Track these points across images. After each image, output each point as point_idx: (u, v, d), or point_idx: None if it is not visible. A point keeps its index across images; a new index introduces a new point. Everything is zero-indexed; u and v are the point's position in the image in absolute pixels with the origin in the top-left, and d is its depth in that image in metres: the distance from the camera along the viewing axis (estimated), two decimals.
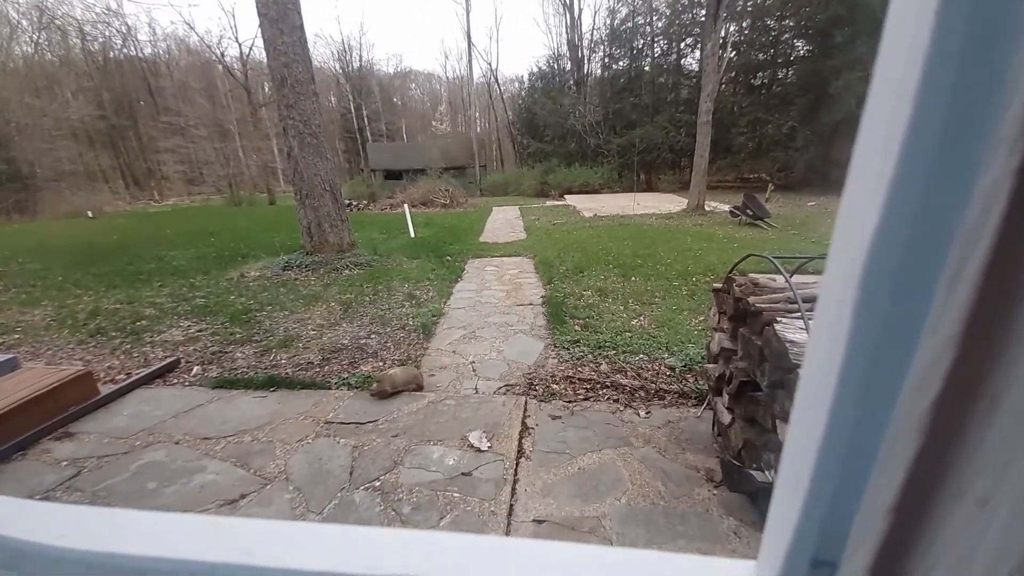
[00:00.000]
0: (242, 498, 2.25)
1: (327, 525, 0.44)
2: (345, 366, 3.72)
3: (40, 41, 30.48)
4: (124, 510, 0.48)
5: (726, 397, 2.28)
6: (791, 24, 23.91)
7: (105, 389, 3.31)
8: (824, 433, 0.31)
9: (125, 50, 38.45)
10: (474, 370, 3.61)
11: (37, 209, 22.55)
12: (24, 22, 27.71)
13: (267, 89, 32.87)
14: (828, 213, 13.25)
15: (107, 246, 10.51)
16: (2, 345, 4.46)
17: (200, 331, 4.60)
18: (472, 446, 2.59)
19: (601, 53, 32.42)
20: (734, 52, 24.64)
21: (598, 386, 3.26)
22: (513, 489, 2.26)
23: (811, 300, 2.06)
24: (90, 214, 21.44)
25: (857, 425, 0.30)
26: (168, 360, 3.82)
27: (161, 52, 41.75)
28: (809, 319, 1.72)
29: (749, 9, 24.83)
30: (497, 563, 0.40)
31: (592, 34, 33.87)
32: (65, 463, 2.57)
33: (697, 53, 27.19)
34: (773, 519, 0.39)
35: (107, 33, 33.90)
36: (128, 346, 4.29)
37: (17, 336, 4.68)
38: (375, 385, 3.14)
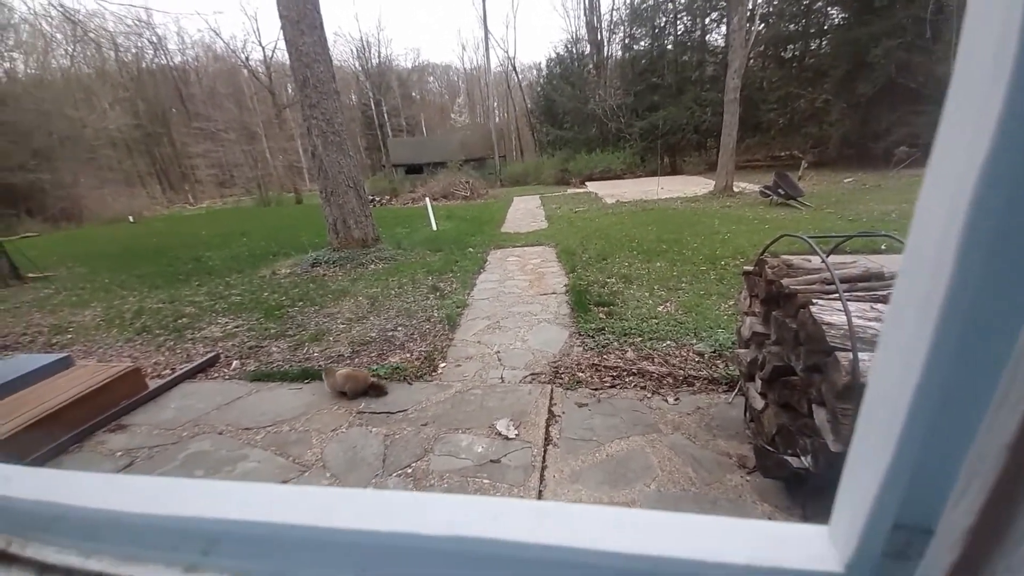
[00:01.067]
0: (283, 484, 2.34)
1: (396, 492, 0.47)
2: (374, 358, 3.80)
3: (75, 54, 32.03)
4: (193, 480, 0.51)
5: (759, 382, 2.22)
6: None
7: (152, 384, 3.50)
8: (918, 383, 0.29)
9: (156, 60, 40.05)
10: (499, 360, 3.63)
11: (82, 216, 23.89)
12: (58, 35, 29.11)
13: (290, 90, 33.57)
14: (866, 189, 12.60)
15: (148, 249, 11.05)
16: (56, 344, 4.78)
17: (237, 327, 4.79)
18: (500, 434, 2.61)
19: (621, 34, 31.59)
20: (762, 24, 23.49)
21: (624, 373, 3.23)
22: (542, 476, 2.27)
23: (849, 280, 1.97)
24: (131, 219, 22.57)
25: (964, 363, 0.28)
26: (209, 355, 4.00)
27: (190, 60, 43.28)
28: (848, 299, 1.64)
29: None
30: (559, 527, 0.41)
31: (611, 15, 32.99)
32: (119, 453, 2.74)
33: (723, 28, 26.15)
34: (848, 484, 0.38)
35: (139, 44, 35.33)
36: (172, 343, 4.52)
37: (70, 336, 5.00)
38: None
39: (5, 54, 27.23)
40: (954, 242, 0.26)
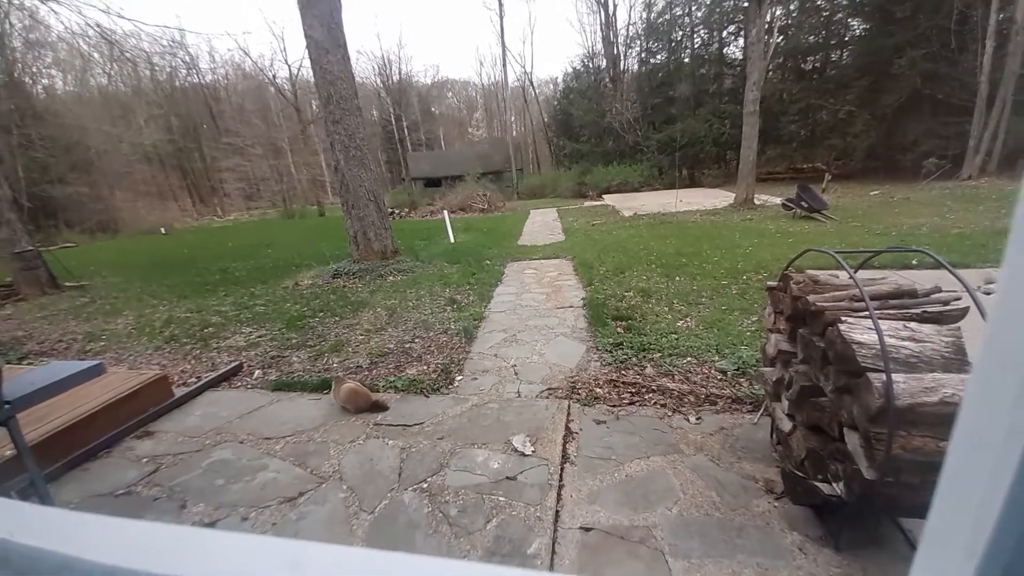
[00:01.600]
0: (300, 496, 2.36)
1: (405, 555, 0.42)
2: (391, 369, 3.83)
3: (112, 73, 33.77)
4: (211, 532, 0.47)
5: (785, 403, 2.14)
6: (844, 2, 22.38)
7: (178, 391, 3.59)
8: None
9: (189, 78, 41.89)
10: (516, 373, 3.61)
11: (118, 227, 24.95)
12: (96, 55, 30.75)
13: (315, 107, 34.67)
14: (894, 202, 12.25)
15: (178, 259, 11.45)
16: (90, 352, 4.96)
17: (260, 337, 4.89)
18: (516, 450, 2.58)
19: (638, 48, 31.75)
20: (781, 37, 23.34)
21: (644, 390, 3.17)
22: (559, 495, 2.23)
23: (879, 298, 1.90)
24: (163, 231, 23.46)
25: None
26: (232, 364, 4.09)
27: (220, 78, 45.15)
28: (879, 318, 1.59)
29: None
30: None
31: (628, 29, 33.21)
32: (145, 460, 2.80)
33: (741, 41, 26.06)
34: (934, 540, 0.34)
35: (173, 64, 36.99)
36: (198, 351, 4.64)
37: (103, 343, 5.18)
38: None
39: (44, 71, 28.91)
40: None
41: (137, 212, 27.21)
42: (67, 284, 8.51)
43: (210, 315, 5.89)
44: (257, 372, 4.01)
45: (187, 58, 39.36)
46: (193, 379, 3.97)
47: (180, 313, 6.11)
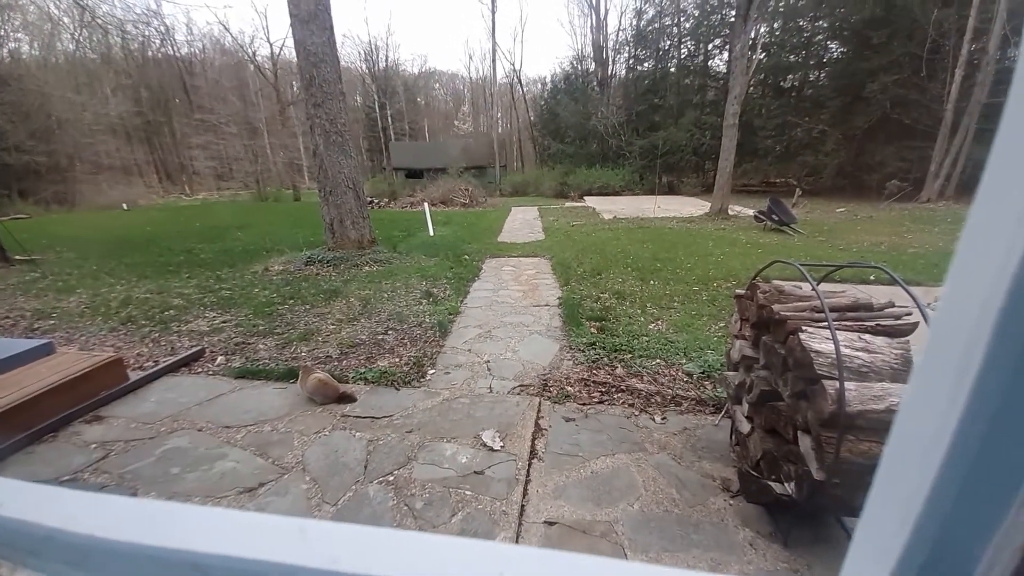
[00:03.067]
0: (260, 487, 2.30)
1: (415, 533, 0.42)
2: (362, 361, 3.77)
3: (81, 39, 31.91)
4: (192, 506, 0.47)
5: (746, 406, 2.22)
6: (824, 25, 23.22)
7: (134, 375, 3.44)
8: (951, 441, 0.27)
9: (163, 49, 39.98)
10: (489, 369, 3.62)
11: (75, 201, 23.61)
12: (66, 19, 29.03)
13: (295, 88, 33.66)
14: (857, 220, 12.83)
15: (140, 238, 10.93)
16: (38, 330, 4.68)
17: (224, 322, 4.73)
18: (485, 445, 2.59)
19: (626, 54, 32.13)
20: (764, 54, 24.08)
21: (613, 390, 3.23)
22: (525, 490, 2.25)
23: (838, 309, 1.99)
24: (125, 206, 22.36)
25: (1005, 429, 0.26)
26: (194, 349, 3.94)
27: (197, 52, 43.26)
28: (837, 328, 1.66)
29: (781, 10, 24.23)
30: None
31: (617, 35, 33.59)
32: (94, 446, 2.67)
33: (725, 55, 26.69)
34: (863, 538, 0.36)
35: (146, 33, 35.25)
36: (156, 334, 4.45)
37: (53, 322, 4.90)
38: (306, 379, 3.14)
39: (11, 35, 27.06)
40: (1000, 298, 0.24)
41: (98, 186, 25.79)
42: (17, 258, 8.01)
43: (172, 297, 5.66)
44: (220, 358, 3.88)
45: (162, 28, 37.59)
46: (150, 363, 3.81)
47: (139, 294, 5.84)
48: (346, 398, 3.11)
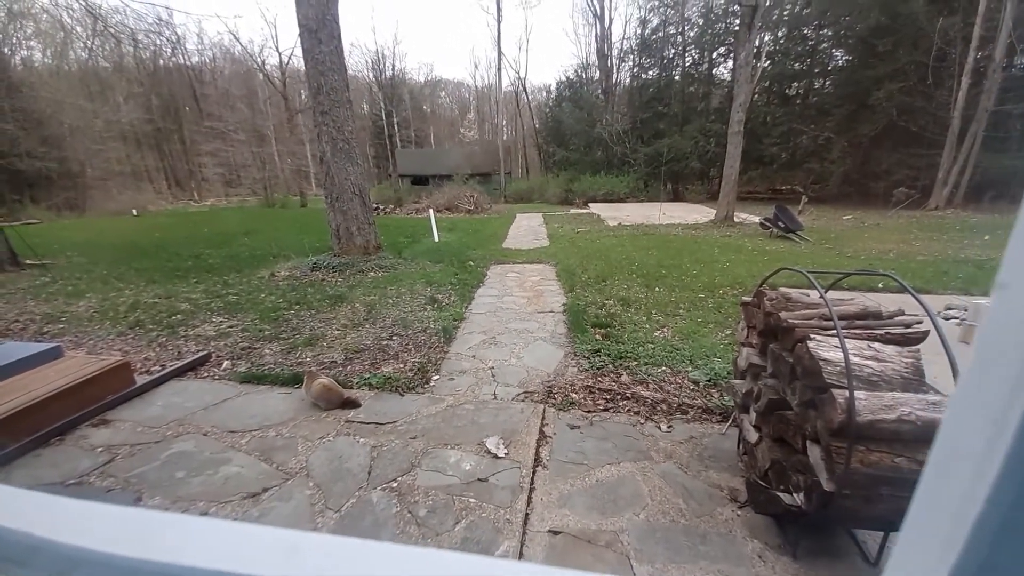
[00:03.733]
0: (264, 492, 2.29)
1: (411, 547, 0.41)
2: (367, 366, 3.77)
3: (94, 48, 32.56)
4: (184, 516, 0.46)
5: (753, 415, 2.20)
6: (829, 33, 23.29)
7: (141, 379, 3.46)
8: (1006, 455, 0.25)
9: (174, 58, 40.68)
10: (493, 375, 3.61)
11: (86, 207, 23.93)
12: (79, 28, 29.61)
13: (303, 96, 34.10)
14: (865, 227, 12.74)
15: (149, 243, 11.05)
16: (47, 334, 4.73)
17: (231, 327, 4.75)
18: (489, 452, 2.57)
19: (631, 63, 32.38)
20: (768, 62, 24.11)
21: (618, 397, 3.20)
22: (529, 498, 2.23)
23: (847, 317, 1.97)
24: (135, 212, 22.63)
25: None
26: (200, 354, 3.96)
27: (207, 60, 43.98)
28: (846, 337, 1.64)
29: (785, 18, 24.33)
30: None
31: (622, 44, 33.87)
32: (100, 449, 2.68)
33: (730, 63, 26.79)
34: (903, 560, 0.34)
35: (158, 42, 35.89)
36: (164, 339, 4.47)
37: (62, 325, 4.95)
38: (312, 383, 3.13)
39: (23, 42, 27.67)
40: None
41: (109, 192, 26.15)
42: (28, 262, 8.11)
43: (179, 302, 5.70)
44: (226, 363, 3.90)
45: (173, 37, 38.27)
46: (157, 367, 3.83)
47: (147, 298, 5.89)
48: (350, 404, 3.11)
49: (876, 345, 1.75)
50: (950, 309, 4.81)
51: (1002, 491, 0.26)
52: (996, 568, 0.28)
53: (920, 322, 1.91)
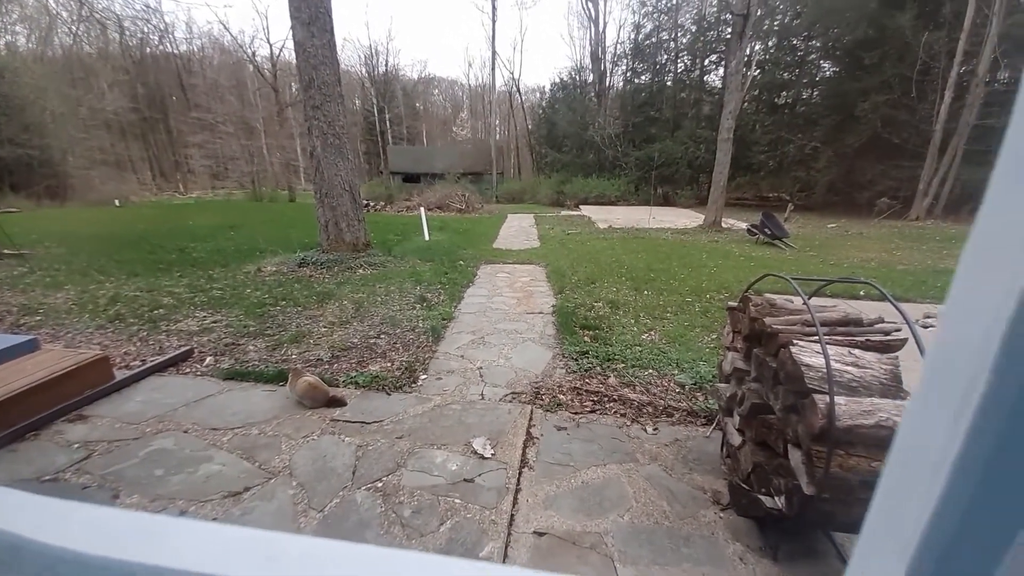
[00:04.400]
0: (246, 491, 2.26)
1: (393, 550, 0.41)
2: (354, 364, 3.74)
3: (79, 33, 31.76)
4: (166, 517, 0.45)
5: (737, 418, 2.23)
6: (818, 45, 23.71)
7: (120, 374, 3.38)
8: (956, 459, 0.26)
9: (161, 46, 39.83)
10: (481, 376, 3.60)
11: (67, 196, 23.31)
12: (64, 13, 28.88)
13: (294, 89, 33.65)
14: (848, 236, 13.00)
15: (131, 235, 10.80)
16: (24, 326, 4.60)
17: (215, 322, 4.67)
18: (476, 452, 2.57)
19: (624, 67, 32.54)
20: (758, 71, 24.50)
21: (605, 399, 3.22)
22: (515, 499, 2.23)
23: (829, 324, 2.01)
24: (117, 203, 22.12)
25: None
26: (182, 349, 3.89)
27: (196, 50, 43.15)
28: (828, 343, 1.68)
29: (776, 29, 24.73)
30: None
31: (616, 48, 34.07)
32: (77, 445, 2.62)
33: (721, 70, 27.12)
34: (862, 561, 0.35)
35: (145, 29, 35.16)
36: (144, 333, 4.38)
37: (39, 318, 4.82)
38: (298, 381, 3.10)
39: (8, 27, 26.88)
40: (1010, 307, 0.24)
41: (91, 181, 25.49)
42: (5, 251, 7.88)
43: (162, 296, 5.58)
44: (209, 359, 3.83)
45: (161, 25, 37.50)
46: (137, 362, 3.74)
47: (128, 291, 5.76)
48: (336, 402, 3.08)
49: (857, 352, 1.79)
50: (928, 318, 4.93)
51: (955, 492, 0.27)
52: (951, 565, 0.29)
53: (899, 330, 1.96)
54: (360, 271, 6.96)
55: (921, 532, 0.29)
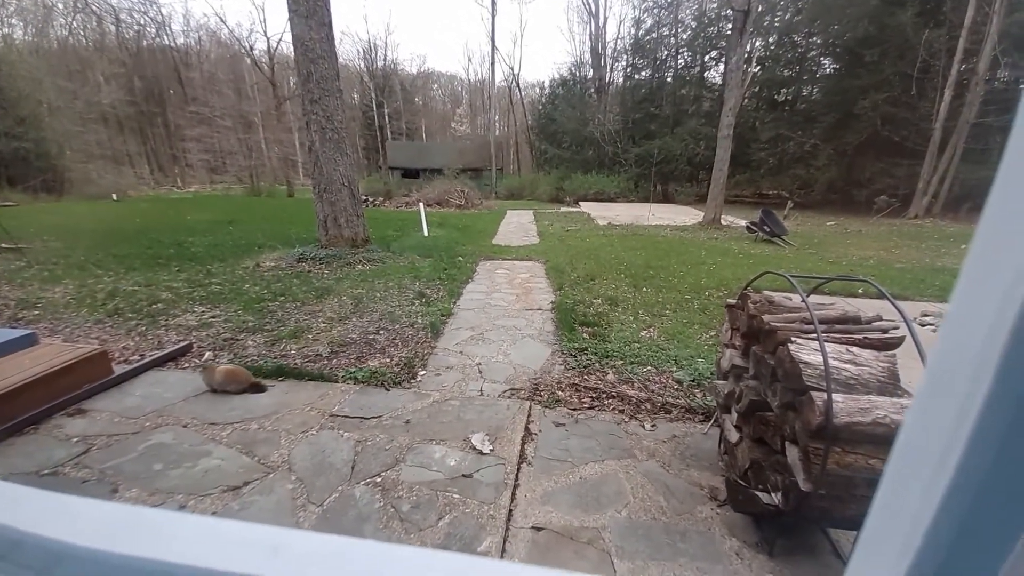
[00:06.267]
0: (245, 485, 2.27)
1: (392, 545, 0.41)
2: (353, 360, 3.74)
3: (75, 25, 31.49)
4: (166, 512, 0.45)
5: (734, 415, 2.24)
6: (818, 41, 23.66)
7: (119, 369, 3.38)
8: (960, 458, 0.26)
9: (158, 39, 39.57)
10: (480, 372, 3.61)
11: (64, 190, 23.19)
12: (60, 5, 28.63)
13: (292, 84, 33.47)
14: (847, 234, 13.02)
15: (129, 229, 10.76)
16: (22, 320, 4.59)
17: (213, 317, 4.67)
18: (474, 448, 2.58)
19: (624, 63, 32.47)
20: (759, 67, 24.45)
21: (604, 395, 3.23)
22: (513, 494, 2.24)
23: (827, 322, 2.02)
24: (114, 197, 22.01)
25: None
26: (181, 344, 3.88)
27: (193, 43, 42.87)
28: (826, 340, 1.68)
29: (776, 25, 24.64)
30: None
31: (616, 43, 33.97)
32: (76, 439, 2.62)
33: (721, 67, 27.03)
34: (863, 559, 0.35)
35: (142, 21, 34.88)
36: (143, 328, 4.37)
37: (37, 312, 4.80)
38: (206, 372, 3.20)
39: (5, 20, 26.64)
40: (1016, 305, 0.23)
41: (88, 175, 25.33)
42: (3, 245, 7.84)
43: (160, 290, 5.57)
44: (207, 354, 3.83)
45: (158, 18, 37.21)
46: (136, 357, 3.74)
47: (127, 286, 5.74)
48: (258, 387, 3.19)
49: (854, 349, 1.80)
50: (926, 316, 4.95)
51: (958, 493, 0.27)
52: (952, 566, 0.29)
53: (897, 328, 1.96)
54: (359, 267, 6.95)
55: (923, 532, 0.29)
